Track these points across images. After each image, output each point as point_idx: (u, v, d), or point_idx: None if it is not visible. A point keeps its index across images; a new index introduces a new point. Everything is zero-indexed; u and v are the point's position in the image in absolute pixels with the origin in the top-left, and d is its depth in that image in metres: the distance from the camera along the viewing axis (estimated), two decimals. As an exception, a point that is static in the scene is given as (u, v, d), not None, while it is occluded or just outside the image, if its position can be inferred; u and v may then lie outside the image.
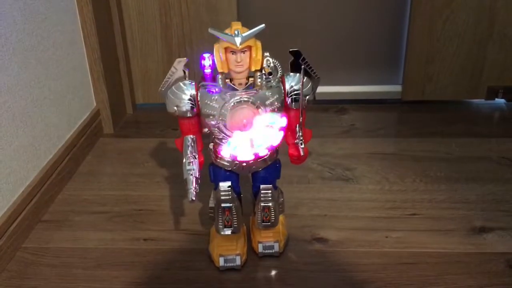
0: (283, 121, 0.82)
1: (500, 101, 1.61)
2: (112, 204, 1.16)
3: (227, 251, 0.94)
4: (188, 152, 0.84)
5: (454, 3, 1.47)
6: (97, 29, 1.37)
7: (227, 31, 0.79)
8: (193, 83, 0.83)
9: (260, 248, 0.96)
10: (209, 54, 0.82)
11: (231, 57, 0.79)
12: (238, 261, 0.94)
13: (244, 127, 0.82)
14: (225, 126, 0.82)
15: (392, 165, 1.29)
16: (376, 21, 1.58)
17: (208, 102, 0.82)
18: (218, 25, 1.52)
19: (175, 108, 0.84)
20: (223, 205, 0.89)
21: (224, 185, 0.89)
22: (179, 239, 1.04)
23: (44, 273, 0.96)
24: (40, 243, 1.04)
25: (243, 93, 0.81)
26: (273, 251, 0.96)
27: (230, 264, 0.94)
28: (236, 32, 0.77)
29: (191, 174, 0.83)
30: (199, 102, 0.83)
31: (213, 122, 0.83)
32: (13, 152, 1.04)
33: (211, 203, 0.92)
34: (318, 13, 1.58)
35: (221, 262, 0.94)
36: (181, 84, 0.83)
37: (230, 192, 0.89)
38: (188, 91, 0.83)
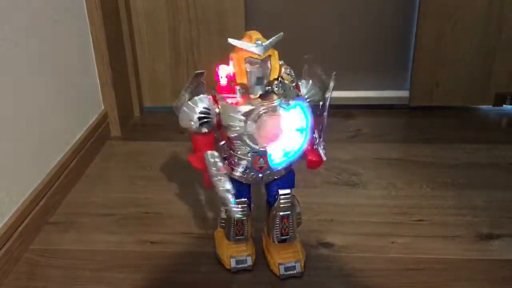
0: (309, 121, 0.81)
1: (508, 107, 1.60)
2: (119, 206, 1.17)
3: (238, 252, 0.94)
4: (219, 168, 0.80)
5: (462, 9, 1.47)
6: (106, 32, 1.38)
7: (245, 40, 0.78)
8: (210, 96, 0.81)
9: (281, 270, 0.92)
10: (225, 65, 0.80)
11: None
12: (249, 262, 0.94)
13: (275, 137, 0.80)
14: (250, 137, 0.80)
15: (399, 170, 1.28)
16: (384, 26, 1.58)
17: (233, 115, 0.79)
18: (226, 30, 1.54)
19: (191, 123, 0.80)
20: (237, 219, 0.90)
21: (241, 201, 0.88)
22: (186, 242, 1.04)
23: (51, 275, 0.97)
24: (48, 244, 1.05)
25: (267, 103, 0.79)
26: (295, 271, 0.93)
27: (242, 265, 0.94)
28: (258, 42, 0.76)
29: (227, 191, 0.79)
30: (221, 115, 0.80)
31: (236, 135, 0.80)
32: (21, 154, 1.05)
33: (223, 214, 0.93)
34: (326, 18, 1.58)
35: (232, 263, 0.94)
36: (196, 98, 0.80)
37: (246, 208, 0.89)
38: (203, 104, 0.80)
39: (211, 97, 0.81)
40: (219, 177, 0.80)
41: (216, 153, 0.82)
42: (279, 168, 0.85)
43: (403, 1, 1.55)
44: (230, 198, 0.80)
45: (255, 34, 0.78)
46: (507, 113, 1.59)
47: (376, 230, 1.07)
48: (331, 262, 0.98)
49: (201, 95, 0.81)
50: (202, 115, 0.80)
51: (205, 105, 0.80)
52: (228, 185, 0.80)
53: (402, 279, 0.93)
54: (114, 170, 1.34)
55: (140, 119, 1.63)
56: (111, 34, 1.42)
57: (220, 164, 0.81)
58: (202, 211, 1.14)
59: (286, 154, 0.83)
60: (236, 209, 0.80)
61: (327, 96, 0.82)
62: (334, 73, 0.82)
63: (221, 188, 0.80)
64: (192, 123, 0.80)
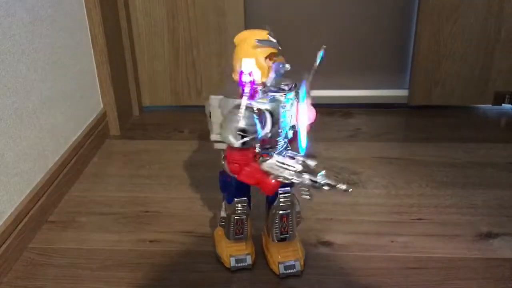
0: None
1: (507, 106, 1.60)
2: (118, 205, 1.17)
3: (237, 251, 0.94)
4: (287, 162, 0.78)
5: (461, 8, 1.47)
6: (105, 31, 1.38)
7: (254, 37, 0.79)
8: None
9: (281, 269, 0.92)
10: (250, 71, 0.78)
11: (270, 63, 0.79)
12: (249, 261, 0.94)
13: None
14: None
15: (398, 169, 1.28)
16: (383, 25, 1.58)
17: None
18: (225, 28, 1.53)
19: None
20: (237, 217, 0.90)
21: (241, 200, 0.89)
22: (185, 241, 1.04)
23: (50, 274, 0.96)
24: (47, 243, 1.05)
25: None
26: (295, 270, 0.93)
27: (241, 264, 0.94)
28: (270, 37, 0.78)
29: (324, 177, 0.77)
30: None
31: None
32: (20, 153, 1.05)
33: (223, 213, 0.93)
34: (325, 17, 1.58)
35: (232, 262, 0.94)
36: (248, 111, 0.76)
37: (246, 207, 0.90)
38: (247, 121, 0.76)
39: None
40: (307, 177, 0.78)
41: (280, 157, 0.79)
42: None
43: (403, 0, 1.55)
44: (330, 180, 0.77)
45: (260, 32, 0.79)
46: (506, 112, 1.59)
47: (375, 229, 1.07)
48: (331, 261, 0.98)
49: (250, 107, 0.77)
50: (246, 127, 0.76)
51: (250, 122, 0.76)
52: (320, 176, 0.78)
53: (402, 278, 0.93)
54: (113, 169, 1.34)
55: (139, 118, 1.63)
56: (110, 33, 1.42)
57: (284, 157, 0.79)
58: (201, 210, 1.13)
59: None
60: (343, 185, 0.77)
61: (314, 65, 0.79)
62: (324, 46, 0.81)
63: (322, 181, 0.78)
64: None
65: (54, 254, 1.01)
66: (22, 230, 1.02)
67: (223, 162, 0.88)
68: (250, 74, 0.77)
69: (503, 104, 1.60)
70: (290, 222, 0.90)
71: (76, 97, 1.32)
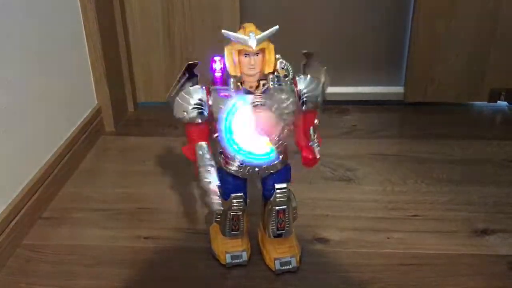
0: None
1: (503, 103, 1.60)
2: (113, 201, 1.16)
3: (233, 247, 0.94)
4: (205, 160, 0.82)
5: (457, 5, 1.47)
6: (100, 27, 1.37)
7: (239, 32, 0.77)
8: (204, 88, 0.81)
9: (277, 265, 0.92)
10: (220, 57, 0.80)
11: (244, 59, 0.77)
12: (244, 257, 0.94)
13: (263, 131, 0.80)
14: None
15: (394, 166, 1.28)
16: (379, 22, 1.58)
17: (222, 107, 0.80)
18: (221, 25, 1.53)
19: (185, 113, 0.81)
20: (233, 213, 0.90)
21: (237, 196, 0.88)
22: (180, 237, 1.04)
23: (44, 270, 0.96)
24: (40, 240, 1.04)
25: (257, 96, 0.79)
26: (291, 266, 0.93)
27: (237, 261, 0.94)
28: (251, 35, 0.75)
29: (210, 183, 0.81)
30: (211, 107, 0.81)
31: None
32: (14, 149, 1.04)
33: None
34: (321, 14, 1.57)
35: (227, 259, 0.93)
36: (191, 88, 0.81)
37: (242, 202, 0.89)
38: (198, 95, 0.81)
39: (205, 88, 0.82)
40: (204, 168, 0.81)
41: (204, 145, 0.83)
42: (275, 162, 0.85)
43: (399, -3, 1.56)
44: (212, 189, 0.81)
45: (250, 27, 0.77)
46: (502, 109, 1.60)
47: (371, 225, 1.06)
48: (327, 257, 0.98)
49: (196, 86, 0.81)
50: (196, 106, 0.81)
51: (199, 96, 0.81)
52: (212, 177, 0.81)
53: (398, 274, 0.93)
54: (107, 165, 1.33)
55: (134, 114, 1.62)
56: (104, 29, 1.41)
57: (207, 156, 0.82)
58: (196, 206, 1.13)
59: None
60: (216, 201, 0.81)
61: (314, 92, 0.83)
62: (325, 67, 0.82)
63: (204, 180, 0.81)
64: (186, 113, 0.81)
65: (48, 251, 1.01)
66: (16, 226, 1.01)
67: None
68: (222, 62, 0.80)
69: (498, 101, 1.60)
70: (286, 218, 0.90)
71: (71, 93, 1.31)
